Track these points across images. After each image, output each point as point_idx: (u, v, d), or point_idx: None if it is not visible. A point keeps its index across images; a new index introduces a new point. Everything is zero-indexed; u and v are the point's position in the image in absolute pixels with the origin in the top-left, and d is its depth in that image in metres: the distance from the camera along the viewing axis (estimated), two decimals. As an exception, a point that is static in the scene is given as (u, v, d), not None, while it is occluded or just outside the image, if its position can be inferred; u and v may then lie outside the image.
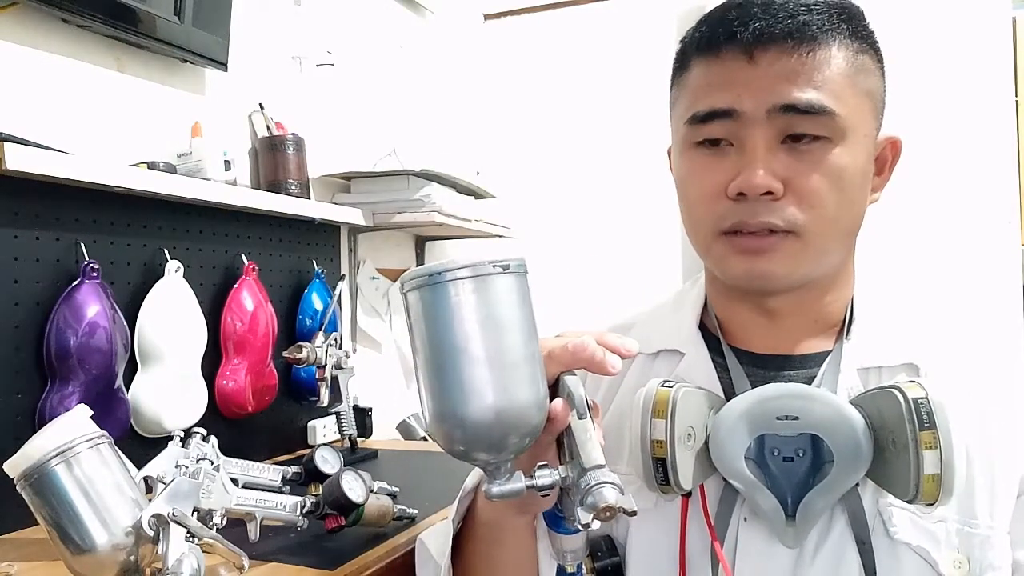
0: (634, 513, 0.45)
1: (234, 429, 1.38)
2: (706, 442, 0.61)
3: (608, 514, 0.44)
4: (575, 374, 0.53)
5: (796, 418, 0.59)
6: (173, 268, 1.26)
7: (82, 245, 1.13)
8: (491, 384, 0.46)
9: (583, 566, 0.60)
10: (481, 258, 0.47)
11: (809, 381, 0.65)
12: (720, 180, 0.62)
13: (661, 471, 0.59)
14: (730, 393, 0.65)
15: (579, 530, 0.53)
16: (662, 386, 0.61)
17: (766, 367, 0.67)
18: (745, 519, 0.62)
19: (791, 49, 0.59)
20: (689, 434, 0.60)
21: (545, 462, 0.51)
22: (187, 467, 0.83)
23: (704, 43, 0.63)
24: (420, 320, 0.48)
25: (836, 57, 0.60)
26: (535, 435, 0.49)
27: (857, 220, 0.64)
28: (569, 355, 0.52)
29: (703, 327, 0.72)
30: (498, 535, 0.67)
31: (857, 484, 0.59)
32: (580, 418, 0.49)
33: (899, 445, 0.55)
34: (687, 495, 0.62)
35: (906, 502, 0.57)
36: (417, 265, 2.10)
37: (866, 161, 0.64)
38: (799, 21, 0.59)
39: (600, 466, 0.46)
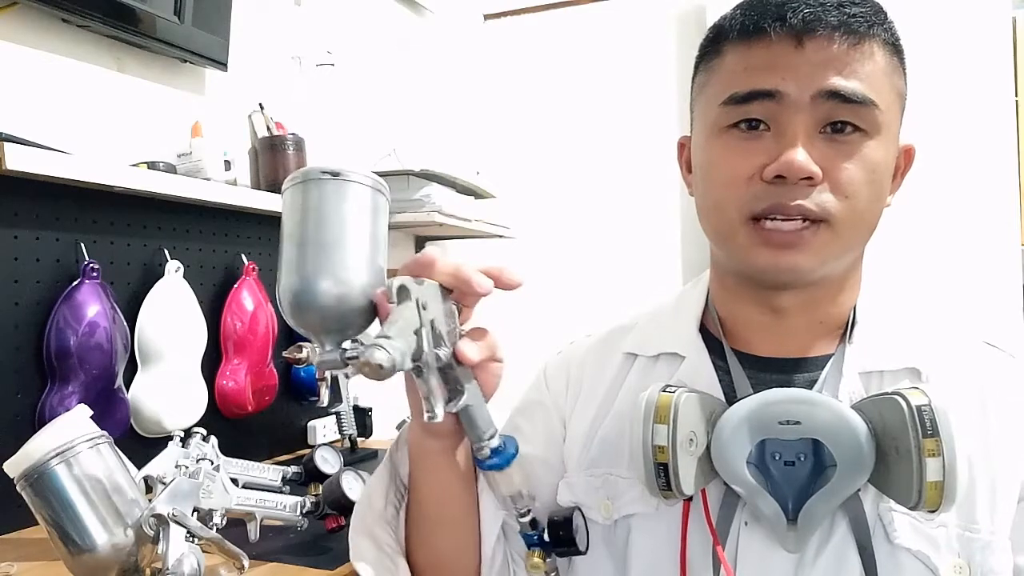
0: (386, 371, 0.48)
1: (234, 429, 1.38)
2: (707, 447, 0.61)
3: (367, 371, 0.48)
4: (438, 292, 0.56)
5: (798, 423, 0.59)
6: (173, 268, 1.26)
7: (82, 245, 1.13)
8: (314, 262, 0.54)
9: (537, 523, 0.62)
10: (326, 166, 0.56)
11: (811, 384, 0.64)
12: (755, 163, 0.60)
13: (663, 477, 0.59)
14: (731, 397, 0.65)
15: (499, 464, 0.58)
16: (663, 391, 0.60)
17: (768, 370, 0.67)
18: (746, 523, 0.62)
19: (839, 39, 0.59)
20: (691, 439, 0.60)
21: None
22: (187, 467, 0.83)
23: (749, 26, 0.62)
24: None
25: (877, 54, 0.61)
26: (359, 315, 0.54)
27: (877, 220, 0.64)
28: (440, 268, 0.56)
29: (704, 329, 0.71)
30: (419, 466, 0.68)
31: (859, 489, 0.59)
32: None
33: (902, 452, 0.55)
34: (688, 500, 0.62)
35: (908, 508, 0.56)
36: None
37: (893, 160, 0.64)
38: (846, 13, 0.60)
39: (375, 337, 0.50)
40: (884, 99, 0.60)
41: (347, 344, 0.55)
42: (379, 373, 0.48)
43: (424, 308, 0.54)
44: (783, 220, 0.60)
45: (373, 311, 0.55)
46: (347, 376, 0.54)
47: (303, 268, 0.54)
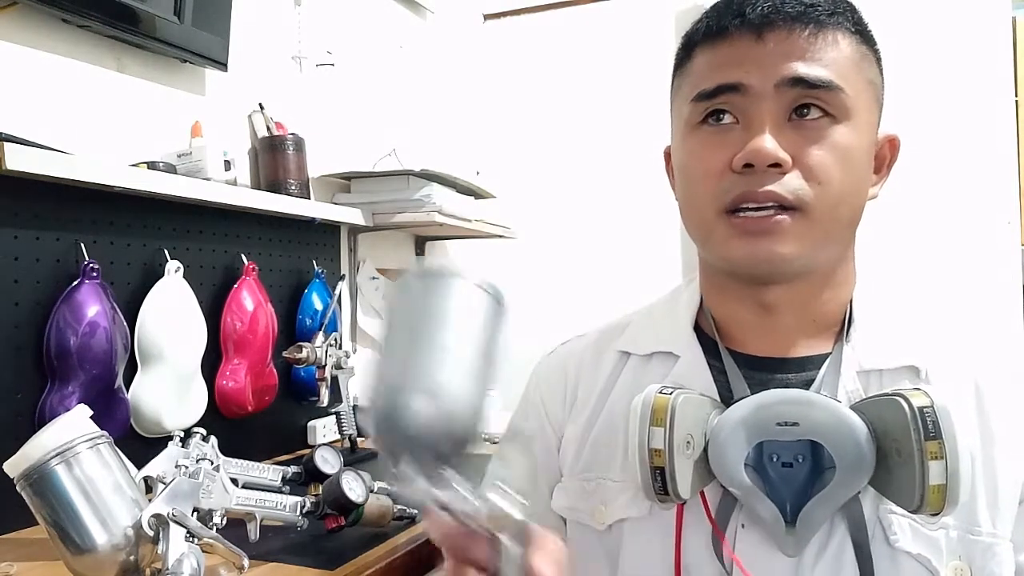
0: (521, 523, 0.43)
1: (234, 429, 1.37)
2: (704, 449, 0.60)
3: (493, 523, 0.43)
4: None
5: (796, 424, 0.58)
6: (173, 268, 1.26)
7: (82, 245, 1.13)
8: (409, 370, 0.45)
9: None
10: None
11: (807, 384, 0.64)
12: (725, 156, 0.61)
13: (660, 480, 0.58)
14: (727, 396, 0.64)
15: None
16: (660, 393, 0.60)
17: (763, 369, 0.66)
18: (743, 526, 0.61)
19: (799, 30, 0.60)
20: (688, 442, 0.59)
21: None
22: (187, 467, 0.83)
23: (713, 27, 0.63)
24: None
25: (841, 42, 0.61)
26: (453, 443, 0.45)
27: (858, 209, 0.64)
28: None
29: (698, 328, 0.71)
30: None
31: (859, 491, 0.59)
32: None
33: (903, 454, 0.54)
34: (683, 503, 0.61)
35: (910, 512, 0.56)
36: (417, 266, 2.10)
37: (868, 147, 0.64)
38: (805, 4, 0.60)
39: (492, 499, 0.44)
40: (851, 85, 0.61)
41: (453, 483, 0.45)
42: (503, 526, 0.42)
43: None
44: (755, 209, 0.60)
45: (469, 441, 0.46)
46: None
47: (393, 377, 0.45)
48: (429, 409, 0.44)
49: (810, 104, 0.60)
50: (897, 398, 0.56)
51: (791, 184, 0.59)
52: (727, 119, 0.62)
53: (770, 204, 0.60)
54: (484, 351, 0.47)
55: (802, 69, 0.59)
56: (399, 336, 0.46)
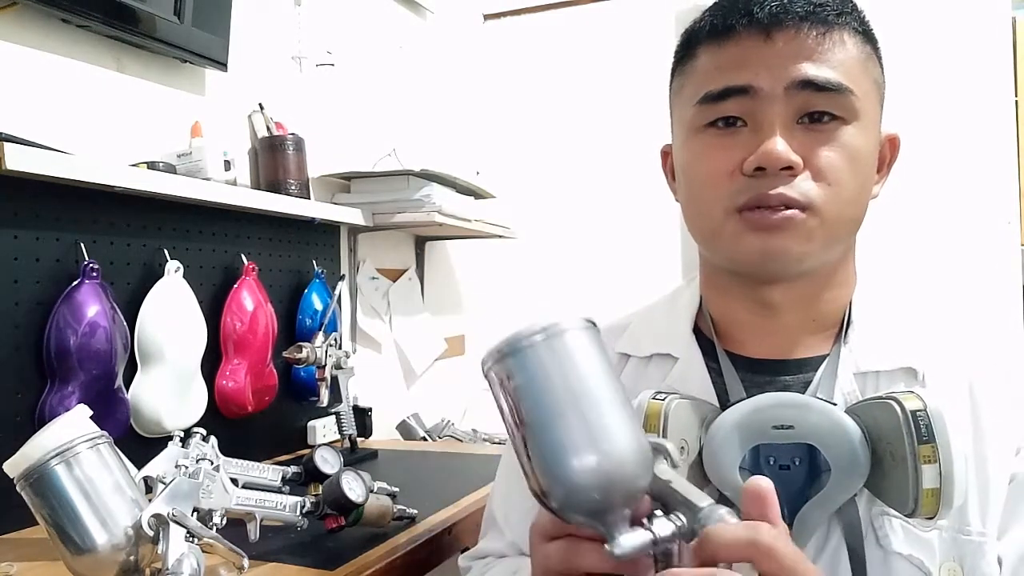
0: None
1: (234, 429, 1.37)
2: (700, 453, 0.60)
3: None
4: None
5: (791, 427, 0.58)
6: (173, 268, 1.26)
7: (82, 245, 1.13)
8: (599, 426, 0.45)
9: None
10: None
11: (805, 386, 0.64)
12: (735, 158, 0.60)
13: None
14: (724, 399, 0.64)
15: None
16: (654, 398, 0.60)
17: (762, 372, 0.66)
18: None
19: (807, 30, 0.60)
20: (682, 447, 0.59)
21: (656, 511, 0.46)
22: (187, 467, 0.83)
23: (718, 26, 0.62)
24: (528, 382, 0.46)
25: (848, 43, 0.61)
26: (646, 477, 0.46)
27: (863, 209, 0.64)
28: None
29: (697, 329, 0.71)
30: None
31: (854, 494, 0.58)
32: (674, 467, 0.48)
33: (897, 458, 0.54)
34: None
35: (905, 516, 0.56)
36: (417, 265, 2.10)
37: (874, 147, 0.64)
38: (813, 3, 0.60)
39: (711, 503, 0.45)
40: (859, 86, 0.60)
41: (659, 522, 0.45)
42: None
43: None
44: (767, 210, 0.60)
45: (649, 471, 0.46)
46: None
47: (567, 450, 0.43)
48: (620, 464, 0.43)
49: (820, 108, 0.60)
50: (890, 401, 0.55)
51: (802, 187, 0.59)
52: (735, 122, 0.61)
53: (781, 207, 0.59)
54: (616, 379, 0.47)
55: (812, 71, 0.59)
56: (549, 407, 0.44)
